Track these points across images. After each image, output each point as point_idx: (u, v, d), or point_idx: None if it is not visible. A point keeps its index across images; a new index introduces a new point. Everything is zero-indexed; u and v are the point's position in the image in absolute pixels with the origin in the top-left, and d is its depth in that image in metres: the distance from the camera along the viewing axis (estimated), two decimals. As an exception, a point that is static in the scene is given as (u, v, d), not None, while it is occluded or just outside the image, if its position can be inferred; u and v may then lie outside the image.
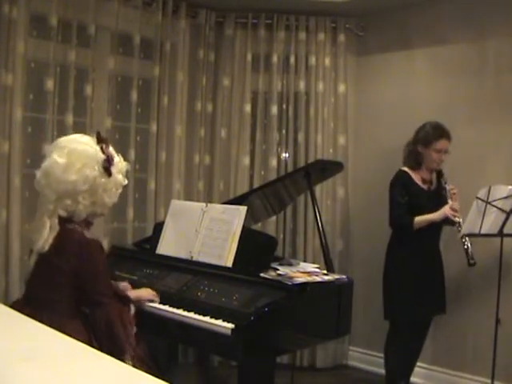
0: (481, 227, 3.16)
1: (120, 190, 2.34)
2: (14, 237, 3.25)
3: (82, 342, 2.07)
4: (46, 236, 2.19)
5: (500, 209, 3.13)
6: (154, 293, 2.69)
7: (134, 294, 2.58)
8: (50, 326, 2.09)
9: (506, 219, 3.14)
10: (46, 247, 2.20)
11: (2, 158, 3.22)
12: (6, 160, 3.23)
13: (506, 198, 3.12)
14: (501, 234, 3.18)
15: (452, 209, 3.25)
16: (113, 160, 2.26)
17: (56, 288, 2.20)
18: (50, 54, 3.38)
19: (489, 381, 3.26)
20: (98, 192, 2.22)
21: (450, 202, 3.28)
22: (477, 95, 3.77)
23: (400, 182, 3.43)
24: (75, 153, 2.19)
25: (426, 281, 3.37)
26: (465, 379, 3.77)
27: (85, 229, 2.28)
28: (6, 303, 2.34)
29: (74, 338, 2.07)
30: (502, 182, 3.26)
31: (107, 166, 2.22)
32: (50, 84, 3.38)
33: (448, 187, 3.32)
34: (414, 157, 3.44)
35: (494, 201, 3.13)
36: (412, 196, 3.39)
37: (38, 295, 2.23)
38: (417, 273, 3.36)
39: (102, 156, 2.23)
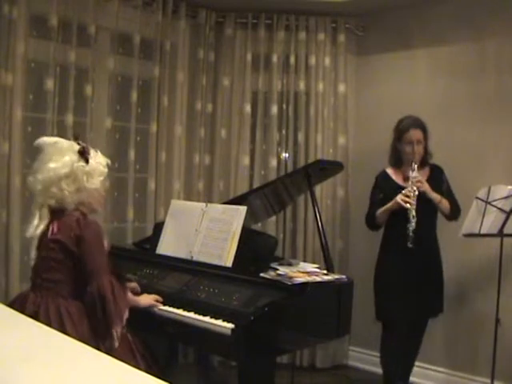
0: (481, 227, 3.16)
1: (102, 178, 2.47)
2: (13, 237, 3.25)
3: (82, 323, 2.24)
4: (36, 223, 2.37)
5: (500, 209, 3.13)
6: (156, 298, 2.69)
7: (130, 298, 2.57)
8: (57, 308, 2.25)
9: (506, 219, 3.14)
10: (37, 233, 2.36)
11: (2, 157, 3.23)
12: (6, 160, 3.23)
13: (505, 198, 3.12)
14: (501, 233, 3.18)
15: (403, 194, 3.23)
16: (88, 150, 2.43)
17: (58, 266, 2.32)
18: (49, 54, 3.38)
19: (488, 381, 3.26)
20: (78, 176, 2.37)
21: (407, 188, 3.25)
22: (477, 95, 3.77)
23: (376, 182, 3.53)
24: (53, 147, 2.40)
25: (410, 281, 3.29)
26: (464, 379, 3.77)
27: (81, 215, 2.39)
28: (6, 303, 2.34)
29: (77, 319, 2.24)
30: (501, 181, 3.26)
31: (82, 151, 2.40)
32: (49, 84, 3.39)
33: (412, 174, 3.26)
34: (394, 154, 3.48)
35: (494, 201, 3.13)
36: (387, 195, 3.39)
37: (42, 278, 2.34)
38: (397, 274, 3.31)
39: (77, 146, 2.42)
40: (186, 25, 4.13)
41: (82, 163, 2.38)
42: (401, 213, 3.25)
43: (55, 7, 3.37)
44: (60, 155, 2.36)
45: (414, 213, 3.19)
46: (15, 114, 3.26)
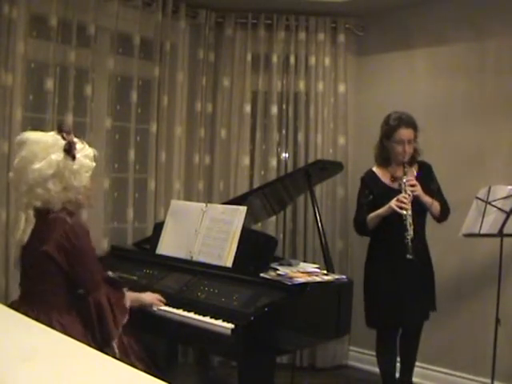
0: (481, 227, 3.15)
1: (89, 173, 2.34)
2: (14, 237, 3.24)
3: (76, 334, 2.12)
4: (22, 228, 2.27)
5: (500, 209, 3.13)
6: (160, 298, 2.67)
7: (133, 296, 2.55)
8: (49, 322, 2.13)
9: (506, 219, 3.14)
10: (25, 239, 2.26)
11: (2, 158, 3.22)
12: (5, 160, 3.23)
13: (505, 198, 3.12)
14: (501, 234, 3.18)
15: (399, 200, 3.10)
16: (74, 145, 2.28)
17: (48, 277, 2.22)
18: (49, 54, 3.38)
19: (489, 381, 3.26)
20: (65, 175, 2.23)
21: (402, 194, 3.13)
22: (477, 95, 3.77)
23: (363, 183, 3.39)
24: (37, 144, 2.24)
25: (403, 288, 3.21)
26: (465, 379, 3.77)
27: (67, 217, 2.27)
28: (5, 303, 2.34)
29: (70, 330, 2.12)
30: (501, 182, 3.26)
31: (68, 148, 2.24)
32: (49, 84, 3.39)
33: (405, 179, 3.16)
34: (381, 153, 3.34)
35: (494, 201, 3.13)
36: (376, 195, 3.30)
37: (32, 290, 2.26)
38: (389, 282, 3.23)
39: (62, 142, 2.26)
40: (185, 25, 4.13)
41: (69, 161, 2.23)
42: (391, 217, 3.15)
43: (55, 7, 3.37)
44: (45, 153, 2.21)
45: (410, 220, 3.07)
46: (15, 114, 3.26)
